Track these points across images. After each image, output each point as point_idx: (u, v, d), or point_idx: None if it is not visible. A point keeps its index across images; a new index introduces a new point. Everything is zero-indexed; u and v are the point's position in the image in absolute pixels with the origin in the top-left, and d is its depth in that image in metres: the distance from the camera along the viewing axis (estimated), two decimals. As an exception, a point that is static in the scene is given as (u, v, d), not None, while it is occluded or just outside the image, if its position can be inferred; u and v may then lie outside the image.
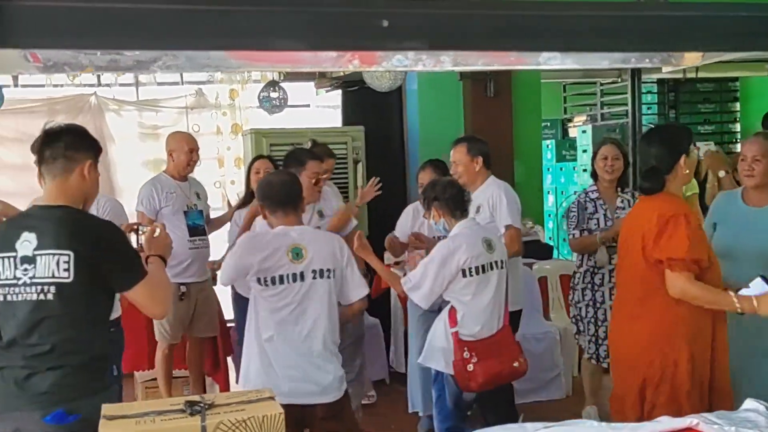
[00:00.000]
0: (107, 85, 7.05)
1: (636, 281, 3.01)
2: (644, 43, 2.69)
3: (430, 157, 5.49)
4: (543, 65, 2.82)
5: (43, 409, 2.38)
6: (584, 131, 7.99)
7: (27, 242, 2.46)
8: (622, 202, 4.46)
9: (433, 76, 6.20)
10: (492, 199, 4.15)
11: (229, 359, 5.29)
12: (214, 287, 4.93)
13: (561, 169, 7.92)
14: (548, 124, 8.17)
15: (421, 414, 4.71)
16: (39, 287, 2.44)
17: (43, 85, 6.80)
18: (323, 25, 2.20)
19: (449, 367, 3.56)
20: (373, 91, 6.11)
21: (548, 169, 7.87)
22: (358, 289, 3.34)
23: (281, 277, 3.15)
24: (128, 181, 6.64)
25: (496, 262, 3.63)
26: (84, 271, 2.44)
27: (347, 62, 2.52)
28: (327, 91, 7.18)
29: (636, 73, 4.30)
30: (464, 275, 3.53)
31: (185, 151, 4.75)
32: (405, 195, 6.24)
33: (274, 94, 6.61)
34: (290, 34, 2.17)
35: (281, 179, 3.39)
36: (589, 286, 4.45)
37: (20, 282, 2.46)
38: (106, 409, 1.99)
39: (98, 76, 6.84)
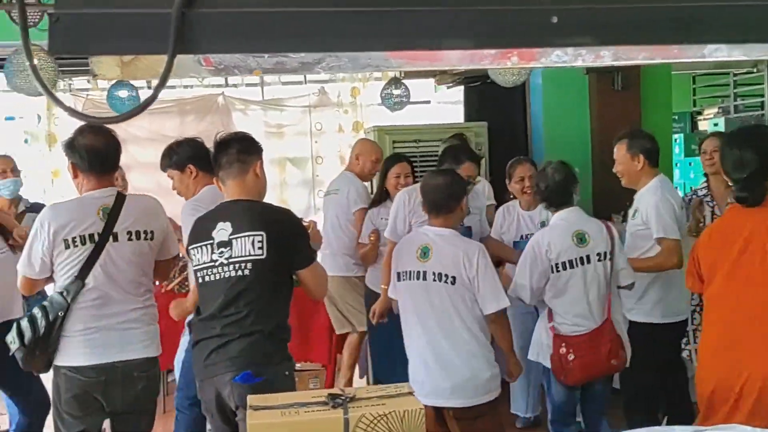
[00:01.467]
0: (234, 85, 7.27)
1: None
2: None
3: (555, 153, 5.36)
4: (708, 57, 2.66)
5: (235, 371, 2.70)
6: (716, 124, 7.61)
7: (223, 230, 2.81)
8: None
9: (558, 71, 6.04)
10: (647, 209, 3.75)
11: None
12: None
13: (690, 164, 7.56)
14: (676, 117, 7.81)
15: (521, 415, 4.71)
16: (237, 265, 2.77)
17: (174, 87, 7.06)
18: (491, 22, 2.14)
19: (548, 361, 3.51)
20: (496, 86, 5.99)
21: (676, 165, 7.53)
22: (488, 303, 3.22)
23: (408, 273, 3.27)
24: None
25: (588, 257, 3.46)
26: (273, 249, 2.76)
27: (506, 59, 2.44)
28: (448, 87, 7.14)
29: (773, 63, 4.03)
30: (552, 270, 3.46)
31: (371, 159, 5.01)
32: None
33: (396, 91, 6.60)
34: (458, 33, 2.11)
35: (434, 183, 3.40)
36: None
37: (217, 263, 2.79)
38: (252, 399, 2.03)
39: (225, 78, 7.04)
